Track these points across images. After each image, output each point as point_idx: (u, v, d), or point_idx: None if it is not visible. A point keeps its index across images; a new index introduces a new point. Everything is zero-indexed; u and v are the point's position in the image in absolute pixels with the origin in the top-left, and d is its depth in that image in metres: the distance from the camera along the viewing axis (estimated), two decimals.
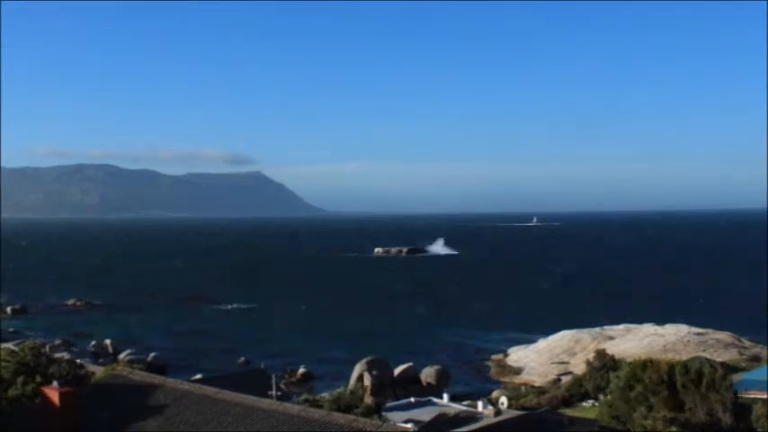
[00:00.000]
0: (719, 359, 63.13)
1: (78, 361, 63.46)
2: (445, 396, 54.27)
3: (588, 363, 68.55)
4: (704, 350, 78.25)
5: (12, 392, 33.37)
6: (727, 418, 36.24)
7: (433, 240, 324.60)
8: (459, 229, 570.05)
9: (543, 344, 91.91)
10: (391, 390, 73.07)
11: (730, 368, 58.04)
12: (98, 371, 51.32)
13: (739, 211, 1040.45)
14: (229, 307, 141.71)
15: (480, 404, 48.76)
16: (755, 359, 75.89)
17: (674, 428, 34.21)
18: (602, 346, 79.59)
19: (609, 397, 46.72)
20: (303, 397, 55.05)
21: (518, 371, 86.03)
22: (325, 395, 58.88)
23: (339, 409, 39.45)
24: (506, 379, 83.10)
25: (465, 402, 54.87)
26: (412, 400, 54.82)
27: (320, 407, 41.14)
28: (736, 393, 40.55)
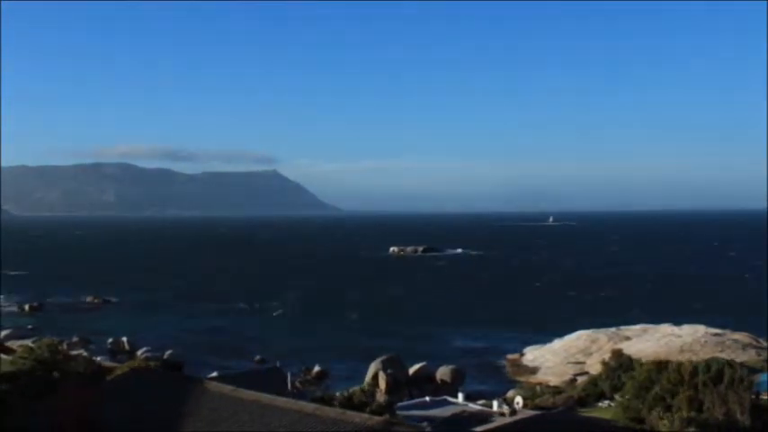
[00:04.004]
0: (737, 360, 62.64)
1: (95, 358, 63.98)
2: (460, 395, 54.16)
3: (604, 363, 68.21)
4: (722, 351, 77.62)
5: (29, 389, 33.63)
6: (745, 419, 35.97)
7: (447, 239, 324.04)
8: (475, 228, 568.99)
9: (559, 344, 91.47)
10: (406, 389, 73.05)
11: (748, 369, 57.56)
12: (115, 368, 51.66)
13: (739, 212, 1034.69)
14: (245, 306, 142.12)
15: (495, 404, 48.63)
16: None
17: (691, 429, 33.98)
18: (618, 347, 79.17)
19: (625, 397, 46.50)
20: (318, 395, 55.11)
21: (534, 370, 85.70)
22: (340, 393, 58.94)
23: (353, 408, 39.47)
24: (522, 378, 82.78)
25: (480, 402, 54.70)
26: (427, 399, 54.78)
27: (334, 405, 41.17)
28: (758, 394, 40.27)
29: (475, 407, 50.29)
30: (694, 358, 60.41)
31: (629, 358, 67.15)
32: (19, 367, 36.11)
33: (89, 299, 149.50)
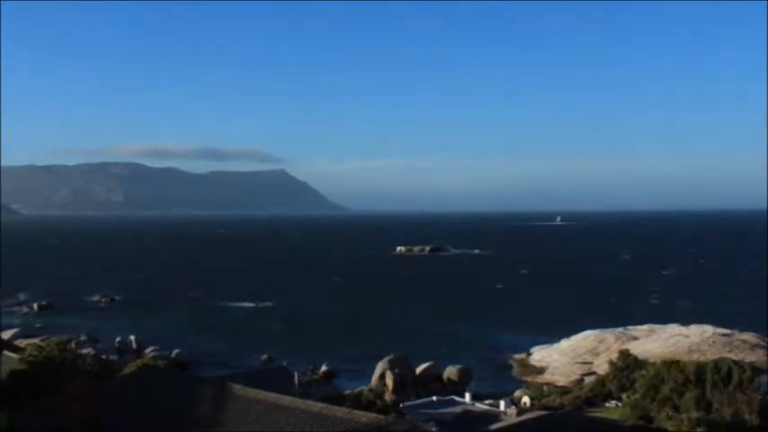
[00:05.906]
0: (745, 360, 62.43)
1: (103, 357, 64.14)
2: (467, 395, 54.13)
3: (612, 363, 68.03)
4: (730, 351, 77.29)
5: (37, 387, 33.75)
6: (753, 419, 35.85)
7: (454, 239, 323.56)
8: (482, 227, 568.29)
9: (566, 344, 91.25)
10: (413, 388, 73.04)
11: (757, 369, 57.32)
12: (123, 367, 51.81)
13: (739, 212, 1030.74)
14: (252, 305, 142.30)
15: (502, 403, 48.57)
16: None
17: (700, 429, 33.88)
18: (625, 347, 78.95)
19: (633, 397, 46.37)
20: (325, 394, 55.15)
21: (541, 370, 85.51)
22: (348, 393, 58.97)
23: (361, 407, 39.48)
24: (529, 378, 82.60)
25: (487, 401, 54.69)
26: (434, 398, 54.78)
27: (342, 404, 41.17)
28: (766, 394, 40.11)
29: (482, 406, 50.28)
30: (702, 358, 60.21)
31: (637, 358, 66.98)
32: (29, 363, 36.24)
33: (97, 298, 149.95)
